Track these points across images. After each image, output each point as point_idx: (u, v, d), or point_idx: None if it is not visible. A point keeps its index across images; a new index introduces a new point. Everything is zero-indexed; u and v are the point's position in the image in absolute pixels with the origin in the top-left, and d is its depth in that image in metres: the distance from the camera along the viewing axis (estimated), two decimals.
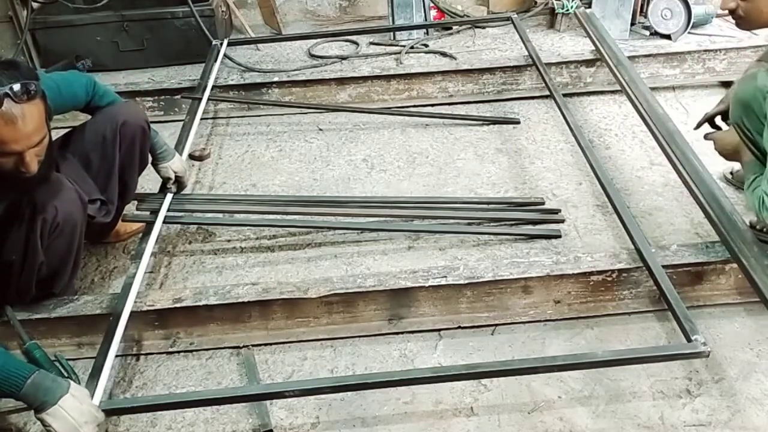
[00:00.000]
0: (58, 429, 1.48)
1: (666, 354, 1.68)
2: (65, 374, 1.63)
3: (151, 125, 2.25)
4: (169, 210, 2.30)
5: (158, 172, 2.31)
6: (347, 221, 2.39)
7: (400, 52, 3.72)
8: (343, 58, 3.77)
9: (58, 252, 1.88)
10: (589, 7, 3.66)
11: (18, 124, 1.56)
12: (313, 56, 3.83)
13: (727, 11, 1.95)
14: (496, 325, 1.98)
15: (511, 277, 1.91)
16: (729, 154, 2.07)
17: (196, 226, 2.47)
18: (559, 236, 2.28)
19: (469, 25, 4.04)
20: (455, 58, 3.57)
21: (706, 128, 2.26)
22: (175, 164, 2.31)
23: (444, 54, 3.68)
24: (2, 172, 1.63)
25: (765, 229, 2.03)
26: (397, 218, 2.38)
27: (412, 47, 3.80)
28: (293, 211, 2.38)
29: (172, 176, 2.31)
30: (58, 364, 1.65)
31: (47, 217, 1.77)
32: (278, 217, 2.37)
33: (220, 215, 2.45)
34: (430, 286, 1.91)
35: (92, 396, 1.61)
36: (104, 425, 1.75)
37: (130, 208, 2.36)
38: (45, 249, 1.81)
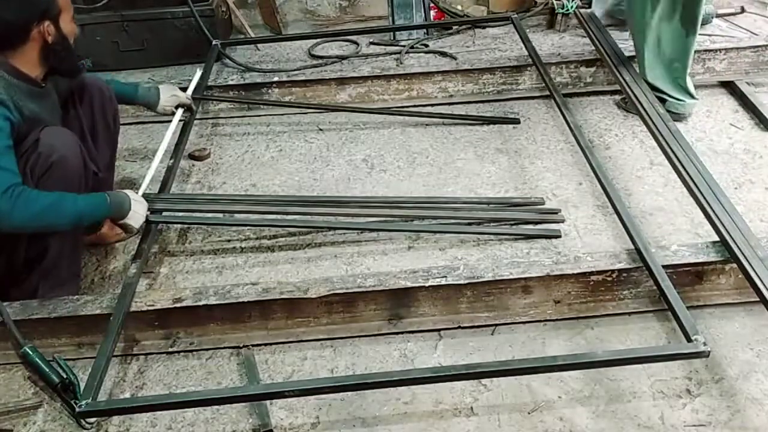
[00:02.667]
0: (134, 224, 2.06)
1: (666, 354, 1.68)
2: (64, 375, 1.63)
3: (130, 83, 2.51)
4: (169, 210, 2.30)
5: (161, 112, 2.53)
6: (347, 221, 2.39)
7: (400, 52, 3.72)
8: (343, 58, 3.77)
9: None
10: (589, 7, 3.66)
11: None
12: (313, 56, 3.83)
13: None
14: (496, 325, 1.98)
15: (511, 277, 1.91)
16: None
17: (196, 226, 2.47)
18: (559, 236, 2.29)
19: (469, 25, 4.04)
20: (455, 58, 3.57)
21: None
22: (167, 99, 2.50)
23: (444, 54, 3.68)
24: (73, 41, 1.92)
25: None
26: (397, 218, 2.38)
27: (412, 47, 3.79)
28: (293, 211, 2.38)
29: (171, 108, 2.52)
30: (56, 364, 1.65)
31: (42, 151, 1.83)
32: (278, 216, 2.36)
33: (220, 215, 2.44)
34: (430, 286, 1.91)
35: (95, 395, 1.62)
36: (104, 426, 1.76)
37: None
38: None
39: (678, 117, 2.67)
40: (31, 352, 1.68)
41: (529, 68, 3.17)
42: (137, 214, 2.05)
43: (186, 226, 2.47)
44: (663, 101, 2.61)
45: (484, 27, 4.03)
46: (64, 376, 1.63)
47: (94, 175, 2.12)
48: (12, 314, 1.86)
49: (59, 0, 1.83)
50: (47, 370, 1.65)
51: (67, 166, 1.88)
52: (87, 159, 2.00)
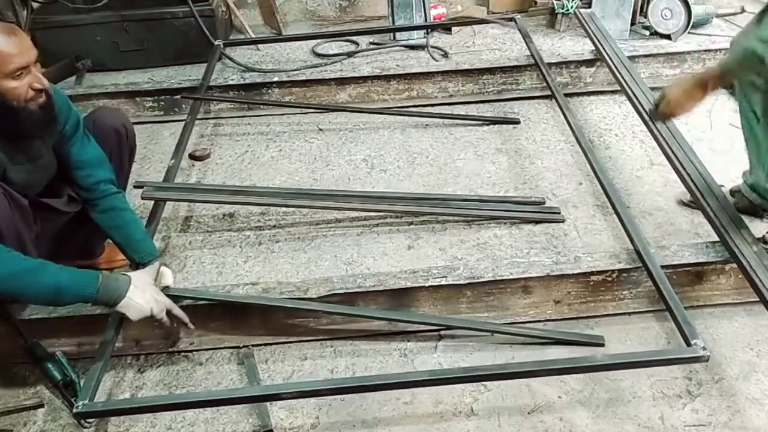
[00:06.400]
0: (131, 316, 1.71)
1: (665, 359, 1.66)
2: (66, 373, 1.64)
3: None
4: (169, 199, 2.33)
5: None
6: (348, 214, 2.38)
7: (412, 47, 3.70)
8: (343, 57, 3.76)
9: None
10: (589, 7, 3.66)
11: (19, 34, 1.63)
12: (317, 54, 3.83)
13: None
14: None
15: (511, 277, 1.91)
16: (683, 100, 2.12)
17: (196, 227, 2.47)
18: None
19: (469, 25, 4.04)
20: (452, 59, 3.56)
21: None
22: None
23: (444, 54, 3.68)
24: (19, 101, 1.63)
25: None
26: (396, 213, 2.38)
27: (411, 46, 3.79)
28: (294, 203, 2.38)
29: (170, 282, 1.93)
30: (57, 362, 1.66)
31: None
32: (280, 201, 2.38)
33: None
34: (430, 286, 1.91)
35: (93, 396, 1.62)
36: (104, 426, 1.76)
37: None
38: None
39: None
40: (36, 348, 1.69)
41: (529, 68, 3.17)
42: (134, 306, 1.71)
43: (186, 226, 2.47)
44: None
45: (484, 27, 4.03)
46: (66, 375, 1.64)
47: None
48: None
49: None
50: (50, 366, 1.66)
51: None
52: (23, 221, 1.77)
